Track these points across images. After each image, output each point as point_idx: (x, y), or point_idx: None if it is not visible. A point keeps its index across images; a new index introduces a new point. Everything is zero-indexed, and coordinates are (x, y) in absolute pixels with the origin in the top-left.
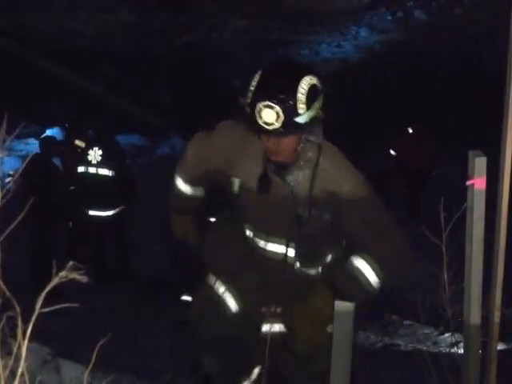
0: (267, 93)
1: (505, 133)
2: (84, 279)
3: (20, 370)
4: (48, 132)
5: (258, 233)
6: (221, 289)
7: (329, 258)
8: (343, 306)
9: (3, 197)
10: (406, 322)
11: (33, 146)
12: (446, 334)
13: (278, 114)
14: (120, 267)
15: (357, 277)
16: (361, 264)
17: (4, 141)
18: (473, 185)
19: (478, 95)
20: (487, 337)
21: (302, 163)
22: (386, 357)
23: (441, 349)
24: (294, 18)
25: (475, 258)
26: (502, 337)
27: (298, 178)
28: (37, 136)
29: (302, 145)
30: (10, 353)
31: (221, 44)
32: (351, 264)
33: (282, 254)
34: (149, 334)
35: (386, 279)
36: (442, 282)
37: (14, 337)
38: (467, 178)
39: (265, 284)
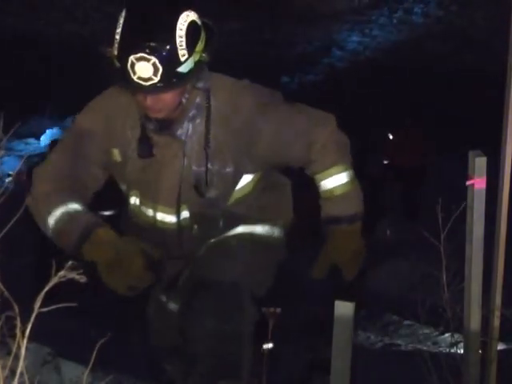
0: (138, 41)
1: (505, 133)
2: (83, 279)
3: (19, 370)
4: (48, 132)
5: (145, 201)
6: (163, 297)
7: (230, 200)
8: (343, 307)
9: (3, 197)
10: (406, 322)
11: (33, 145)
12: (446, 334)
13: (155, 66)
14: None
15: (338, 194)
16: (327, 183)
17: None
18: (473, 185)
19: (478, 95)
20: (487, 337)
21: (193, 113)
22: (385, 357)
23: (441, 349)
24: (292, 19)
25: (475, 257)
26: (502, 337)
27: (189, 131)
28: (36, 136)
29: (187, 95)
30: (9, 353)
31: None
32: (324, 191)
33: (173, 223)
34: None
35: (348, 164)
36: (441, 282)
37: (13, 337)
38: (467, 177)
39: (170, 256)
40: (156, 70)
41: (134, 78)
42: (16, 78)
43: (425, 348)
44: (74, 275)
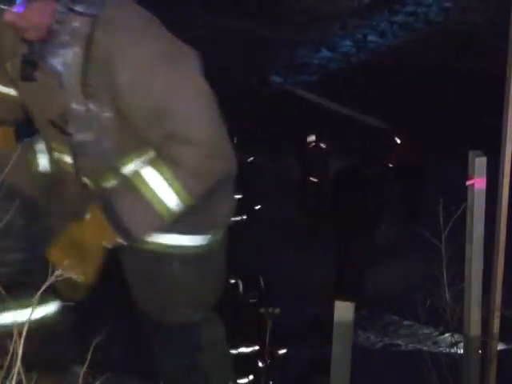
0: None
1: (505, 133)
2: (79, 278)
3: (16, 369)
4: None
5: (42, 134)
6: None
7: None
8: (343, 307)
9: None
10: (406, 322)
11: None
12: (446, 334)
13: None
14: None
15: (140, 188)
16: (148, 172)
17: None
18: (473, 185)
19: (478, 95)
20: (487, 337)
21: (65, 38)
22: (385, 357)
23: (441, 349)
24: (292, 19)
25: (475, 258)
26: (502, 337)
27: (67, 60)
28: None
29: (58, 17)
30: (6, 352)
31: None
32: (136, 172)
33: (70, 165)
34: None
35: (185, 196)
36: (442, 282)
37: (10, 336)
38: (467, 177)
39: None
40: None
41: None
42: None
43: (425, 348)
44: (70, 274)
